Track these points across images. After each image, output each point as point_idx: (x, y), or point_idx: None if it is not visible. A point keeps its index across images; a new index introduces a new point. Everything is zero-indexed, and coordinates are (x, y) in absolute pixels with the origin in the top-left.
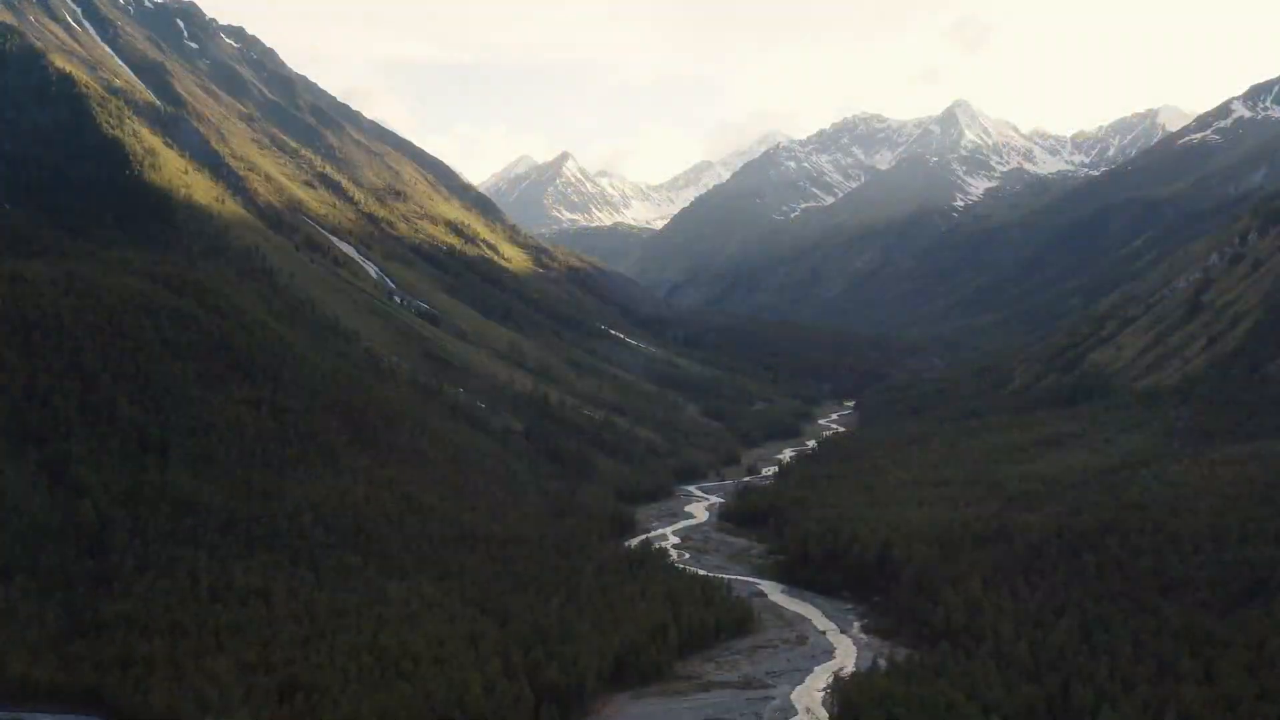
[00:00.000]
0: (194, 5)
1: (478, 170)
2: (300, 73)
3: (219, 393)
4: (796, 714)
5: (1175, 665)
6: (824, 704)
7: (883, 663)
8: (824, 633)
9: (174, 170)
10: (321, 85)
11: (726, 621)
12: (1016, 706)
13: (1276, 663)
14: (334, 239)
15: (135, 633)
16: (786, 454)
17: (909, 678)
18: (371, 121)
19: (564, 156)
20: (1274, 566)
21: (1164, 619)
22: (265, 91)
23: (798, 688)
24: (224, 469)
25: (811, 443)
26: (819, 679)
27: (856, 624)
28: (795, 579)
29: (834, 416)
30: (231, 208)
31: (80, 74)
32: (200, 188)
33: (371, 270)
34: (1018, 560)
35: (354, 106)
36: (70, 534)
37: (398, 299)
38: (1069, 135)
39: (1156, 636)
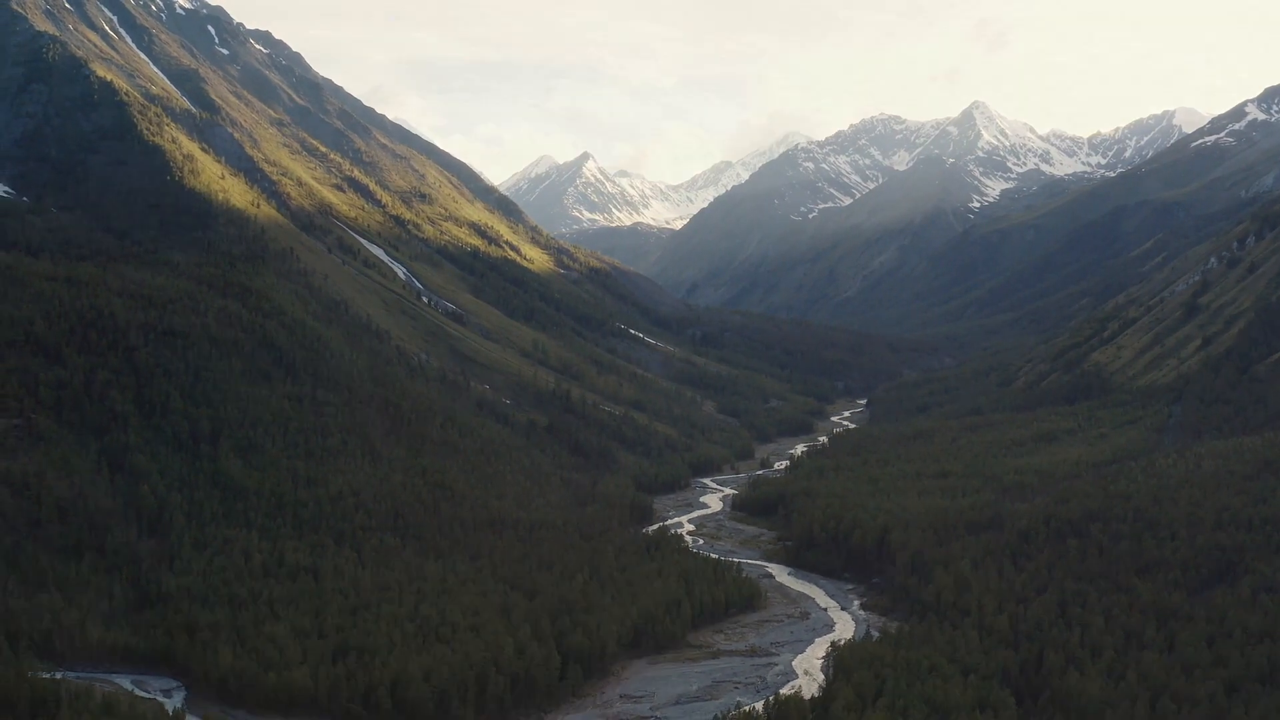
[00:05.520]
0: (222, 10)
1: (499, 170)
2: (325, 75)
3: (264, 388)
4: (797, 677)
5: (1141, 636)
6: (822, 669)
7: (875, 633)
8: (825, 609)
9: (211, 176)
10: (344, 86)
11: (736, 598)
12: (993, 669)
13: (1234, 635)
14: (363, 241)
15: (197, 604)
16: (799, 448)
17: (898, 644)
18: (396, 124)
19: (584, 157)
20: (1243, 550)
21: (1135, 596)
22: (294, 96)
23: (799, 655)
24: (270, 458)
25: (823, 438)
26: (819, 648)
27: (856, 602)
28: (801, 562)
29: (846, 414)
30: (266, 211)
31: (120, 82)
32: (236, 192)
33: (400, 272)
34: (1007, 545)
35: (378, 108)
36: (132, 516)
37: (425, 299)
38: (1086, 136)
39: (1127, 611)
